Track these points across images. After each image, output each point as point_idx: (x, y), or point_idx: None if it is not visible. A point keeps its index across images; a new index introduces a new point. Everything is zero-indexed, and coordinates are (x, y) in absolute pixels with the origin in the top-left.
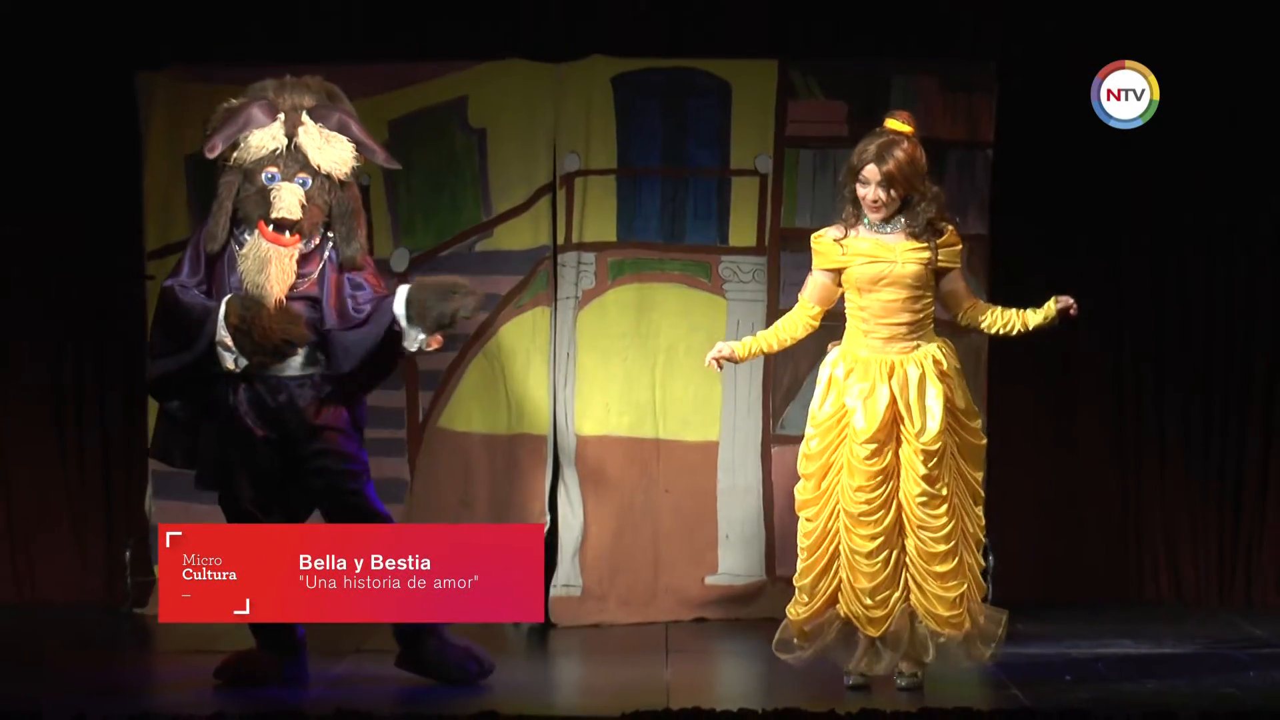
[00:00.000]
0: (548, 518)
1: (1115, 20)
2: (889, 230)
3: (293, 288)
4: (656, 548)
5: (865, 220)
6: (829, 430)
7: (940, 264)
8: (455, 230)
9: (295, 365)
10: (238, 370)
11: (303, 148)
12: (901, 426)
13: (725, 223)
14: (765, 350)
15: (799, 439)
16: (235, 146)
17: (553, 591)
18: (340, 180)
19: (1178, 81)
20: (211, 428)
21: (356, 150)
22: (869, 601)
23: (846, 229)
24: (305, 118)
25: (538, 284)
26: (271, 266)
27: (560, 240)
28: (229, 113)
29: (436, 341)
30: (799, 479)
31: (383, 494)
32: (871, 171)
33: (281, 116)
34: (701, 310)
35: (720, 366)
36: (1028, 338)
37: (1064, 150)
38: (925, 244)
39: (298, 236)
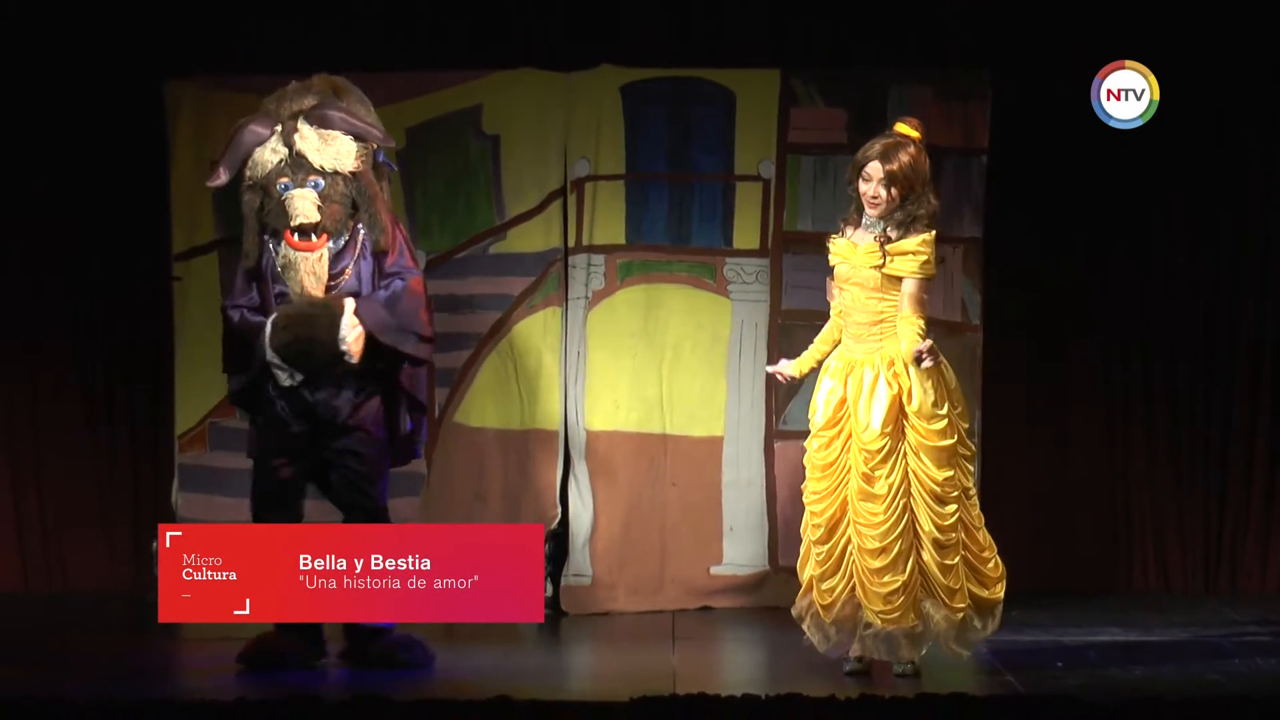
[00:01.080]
0: (559, 510)
1: (1108, 25)
2: (874, 230)
3: (332, 284)
4: (664, 539)
5: (864, 221)
6: (825, 431)
7: (889, 270)
8: (470, 233)
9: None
10: (295, 384)
11: (303, 153)
12: (853, 425)
13: (730, 226)
14: (818, 361)
15: (801, 434)
16: (248, 165)
17: (563, 581)
18: (351, 173)
19: (1178, 81)
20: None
21: (357, 139)
22: (823, 587)
23: (843, 229)
24: (300, 124)
25: (549, 285)
26: (302, 272)
27: (571, 243)
28: (229, 137)
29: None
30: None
31: (399, 488)
32: (874, 169)
33: (279, 128)
34: (707, 310)
35: (783, 380)
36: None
37: (1056, 153)
38: (878, 246)
39: (324, 237)
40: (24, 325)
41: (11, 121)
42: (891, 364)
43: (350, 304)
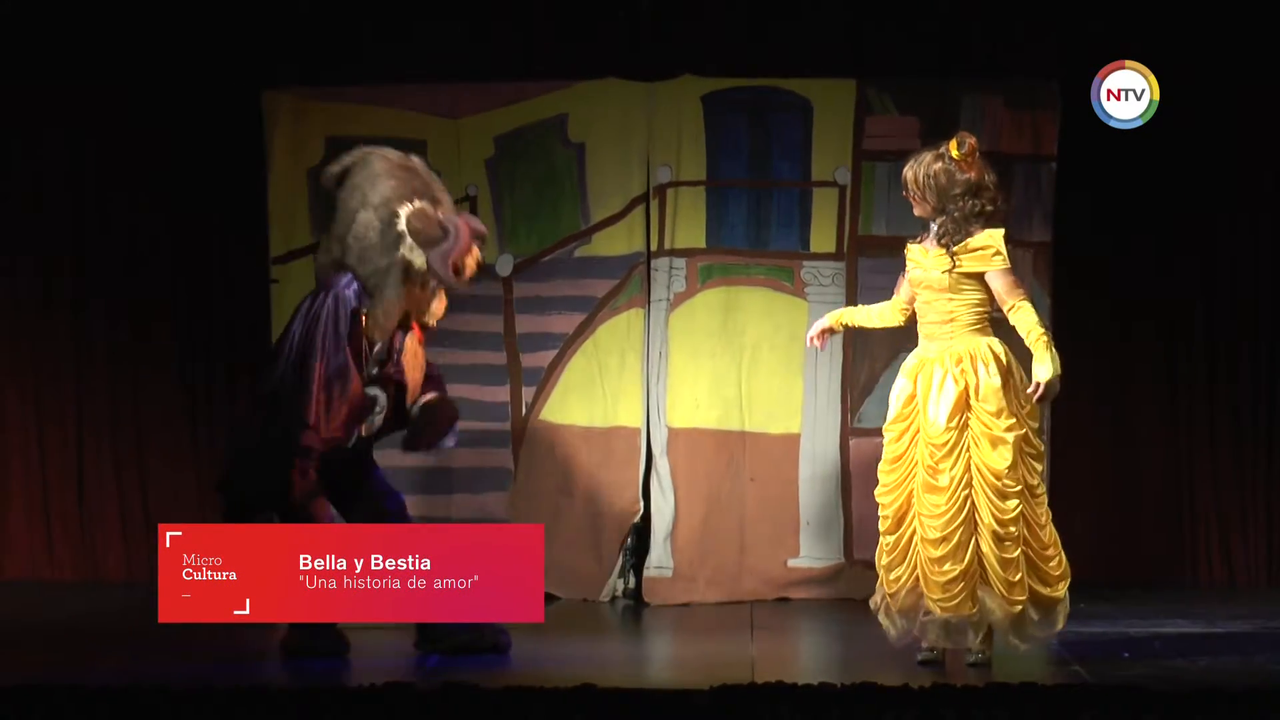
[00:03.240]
0: (641, 505)
1: (1167, 35)
2: (929, 238)
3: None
4: (742, 532)
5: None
6: (895, 427)
7: (963, 269)
8: (556, 237)
9: None
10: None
11: (464, 270)
12: (920, 420)
13: (806, 230)
14: (854, 322)
15: (875, 431)
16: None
17: (646, 573)
18: None
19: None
20: None
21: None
22: (890, 577)
23: (920, 237)
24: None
25: (632, 287)
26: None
27: (654, 247)
28: (432, 223)
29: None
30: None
31: (488, 483)
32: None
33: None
34: (784, 311)
35: (820, 344)
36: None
37: (1120, 158)
38: (944, 250)
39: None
40: (130, 325)
41: (121, 131)
42: (959, 360)
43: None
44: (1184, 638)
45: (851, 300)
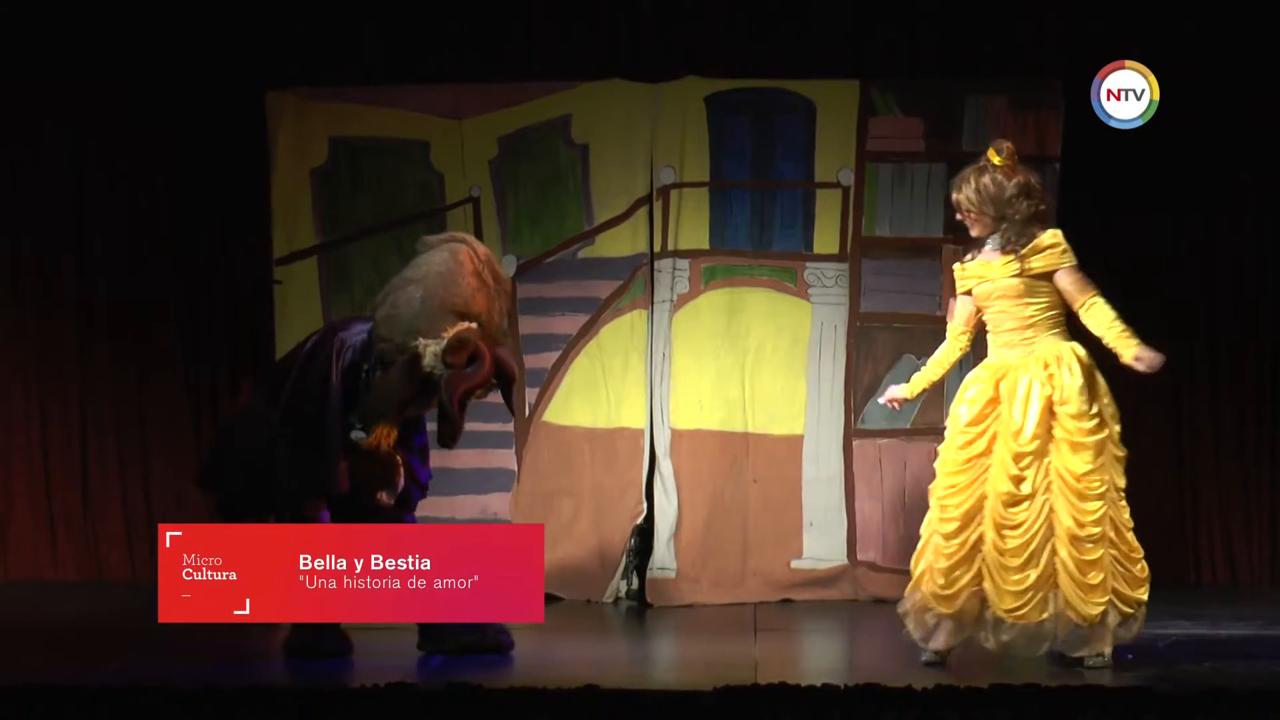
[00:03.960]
0: (644, 506)
1: (1167, 35)
2: (991, 249)
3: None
4: (745, 533)
5: (985, 243)
6: (963, 437)
7: (1035, 270)
8: (560, 238)
9: None
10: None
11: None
12: (1002, 426)
13: (810, 231)
14: (930, 383)
15: (878, 433)
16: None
17: (649, 574)
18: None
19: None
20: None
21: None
22: (941, 581)
23: (973, 254)
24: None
25: (636, 288)
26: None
27: (657, 248)
28: (474, 360)
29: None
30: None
31: (491, 484)
32: (952, 198)
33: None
34: (788, 313)
35: (898, 407)
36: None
37: (1120, 158)
38: (1012, 256)
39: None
40: (133, 326)
41: (123, 131)
42: (1046, 365)
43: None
44: (1188, 640)
45: (854, 302)
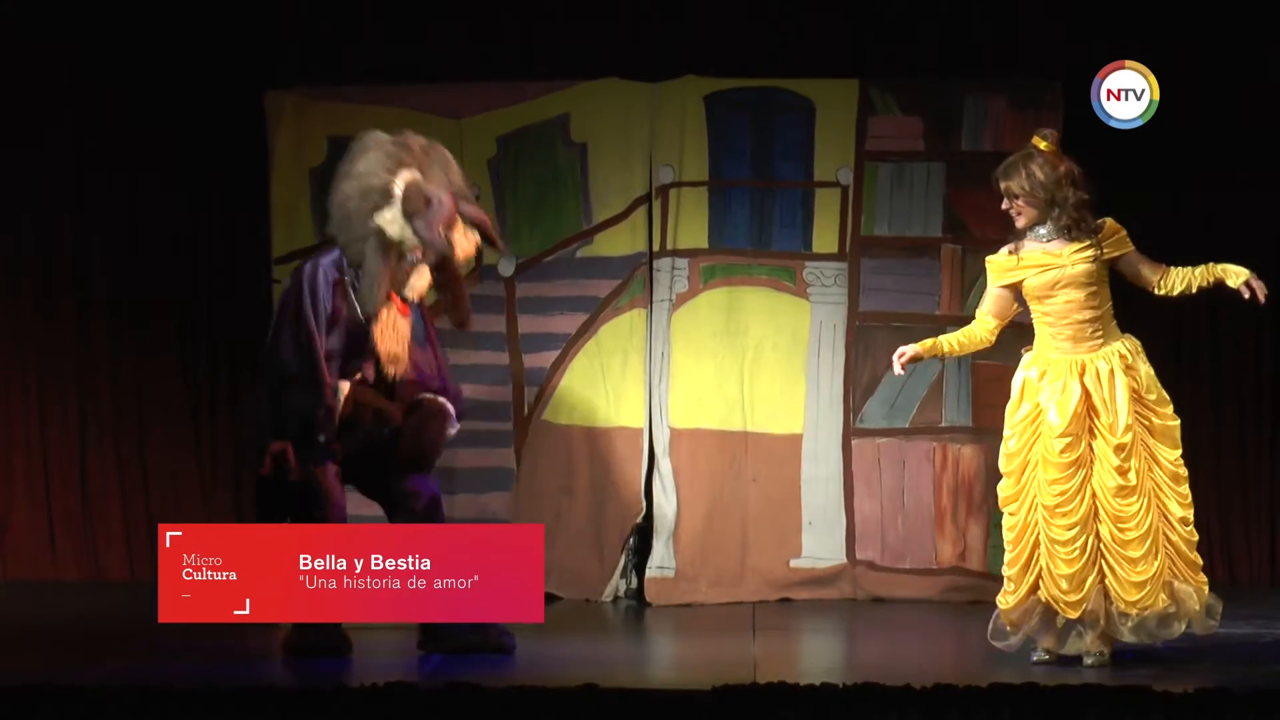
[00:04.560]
0: (643, 505)
1: (1167, 35)
2: (1048, 239)
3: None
4: (744, 533)
5: (1029, 234)
6: (1024, 430)
7: (1108, 255)
8: (558, 238)
9: None
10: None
11: (453, 243)
12: (1095, 421)
13: (809, 231)
14: (944, 351)
15: (877, 432)
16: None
17: (648, 573)
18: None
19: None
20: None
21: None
22: (1065, 586)
23: (1016, 245)
24: (461, 209)
25: (635, 287)
26: (392, 333)
27: (656, 247)
28: (430, 201)
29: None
30: (1000, 477)
31: (490, 483)
32: (1001, 187)
33: (459, 221)
34: (787, 312)
35: (902, 367)
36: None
37: (1120, 157)
38: (1088, 241)
39: (406, 308)
40: (132, 325)
41: (122, 130)
42: (1123, 357)
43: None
44: (1187, 639)
45: (854, 301)
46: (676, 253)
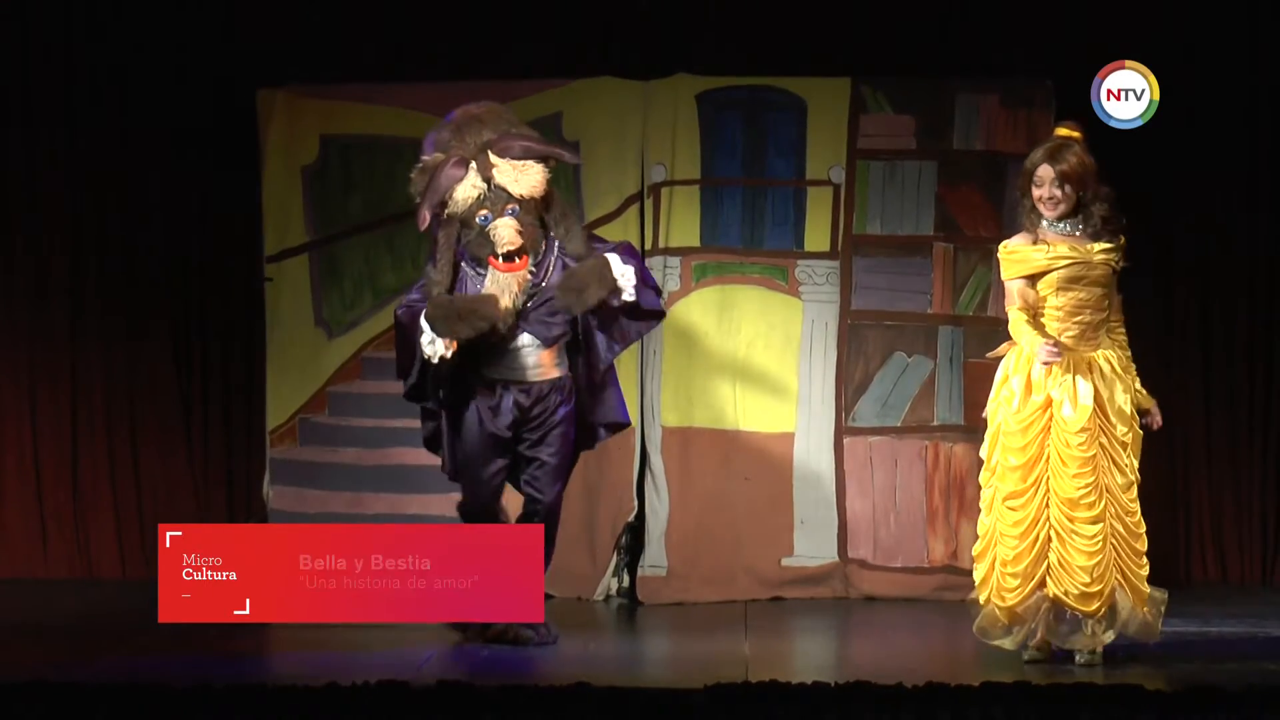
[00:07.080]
0: (635, 504)
1: (1167, 35)
2: (1075, 232)
3: (535, 293)
4: (736, 531)
5: (1045, 224)
6: (1033, 423)
7: (1119, 264)
8: None
9: (552, 370)
10: (444, 354)
11: (503, 186)
12: (1103, 419)
13: (801, 229)
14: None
15: (869, 431)
16: (444, 203)
17: (640, 571)
18: (543, 195)
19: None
20: (460, 438)
21: (544, 162)
22: (1086, 579)
23: (1036, 235)
24: (494, 159)
25: None
26: (516, 291)
27: (648, 245)
28: (425, 176)
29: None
30: (1003, 471)
31: None
32: (1045, 171)
33: (473, 165)
34: (779, 310)
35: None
36: None
37: (1120, 158)
38: (1112, 244)
39: (525, 258)
40: (125, 323)
41: (114, 127)
42: (1110, 363)
43: (614, 256)
44: (1179, 638)
45: (845, 299)
46: (668, 251)
